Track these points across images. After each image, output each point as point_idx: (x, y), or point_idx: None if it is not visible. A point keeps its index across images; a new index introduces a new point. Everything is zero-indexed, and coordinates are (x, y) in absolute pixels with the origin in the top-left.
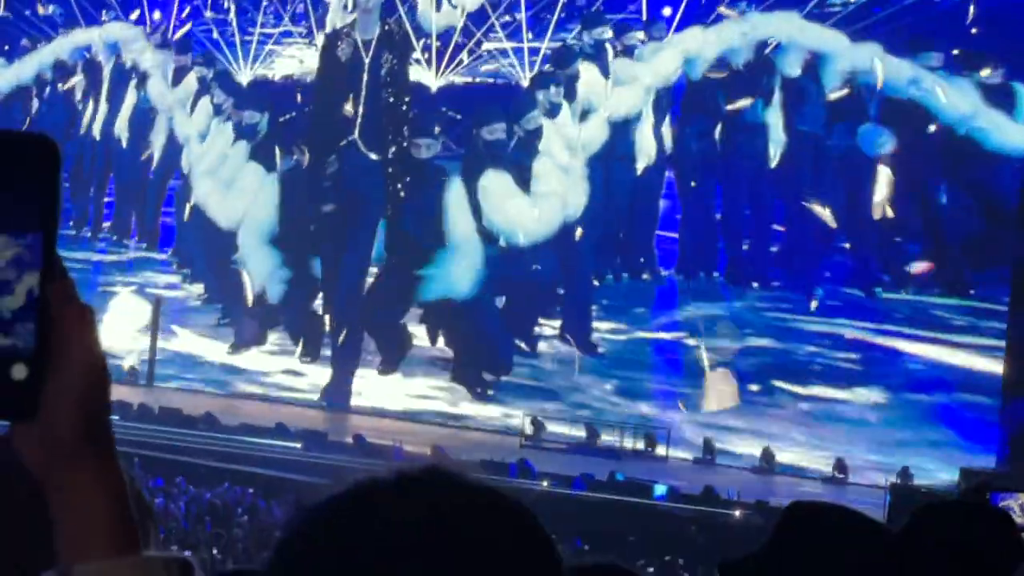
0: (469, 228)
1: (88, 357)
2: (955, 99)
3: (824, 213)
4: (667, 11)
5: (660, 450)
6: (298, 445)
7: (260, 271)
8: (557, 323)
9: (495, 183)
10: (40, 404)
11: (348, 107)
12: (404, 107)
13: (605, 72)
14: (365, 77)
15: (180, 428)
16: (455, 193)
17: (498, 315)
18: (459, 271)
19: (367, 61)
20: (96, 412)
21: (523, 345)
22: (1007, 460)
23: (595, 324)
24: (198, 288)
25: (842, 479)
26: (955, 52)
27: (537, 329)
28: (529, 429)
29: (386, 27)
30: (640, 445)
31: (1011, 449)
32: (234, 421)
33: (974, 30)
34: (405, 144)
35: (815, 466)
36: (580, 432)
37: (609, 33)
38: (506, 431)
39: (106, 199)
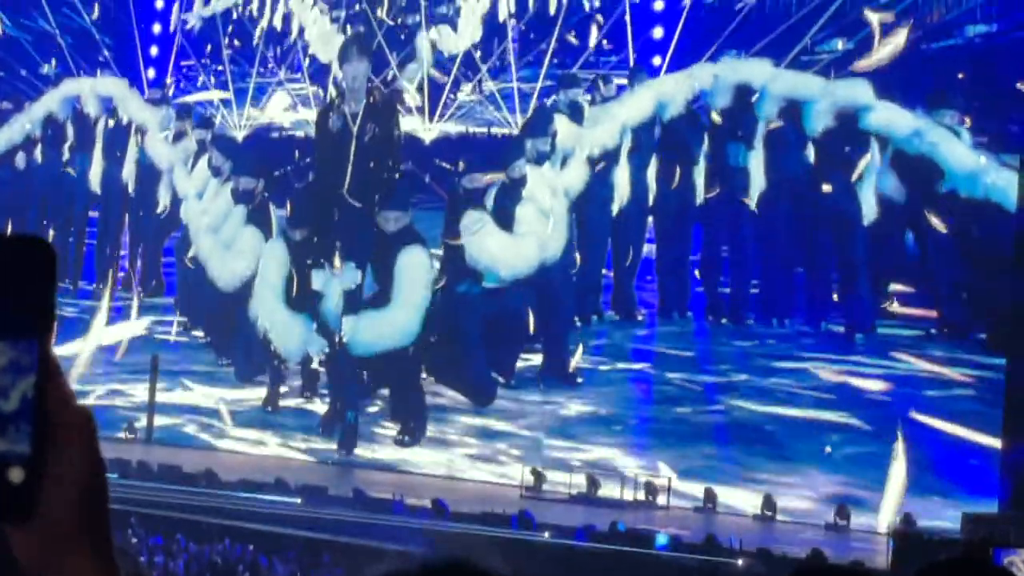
0: (419, 286)
1: (87, 460)
2: (952, 147)
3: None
4: (657, 60)
5: (661, 499)
6: (298, 500)
7: (286, 335)
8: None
9: (475, 221)
10: (37, 507)
11: (339, 173)
12: (386, 173)
13: (581, 123)
14: (352, 146)
15: (179, 485)
16: (412, 253)
17: (481, 349)
18: (395, 326)
19: (354, 131)
20: (95, 515)
21: (501, 379)
22: (1009, 506)
23: (578, 360)
24: (198, 333)
25: (844, 526)
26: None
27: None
28: (529, 480)
29: (371, 99)
30: (641, 495)
31: (1014, 497)
32: (233, 477)
33: (960, 75)
34: (378, 215)
35: (817, 512)
36: (581, 481)
37: (590, 78)
38: (506, 483)
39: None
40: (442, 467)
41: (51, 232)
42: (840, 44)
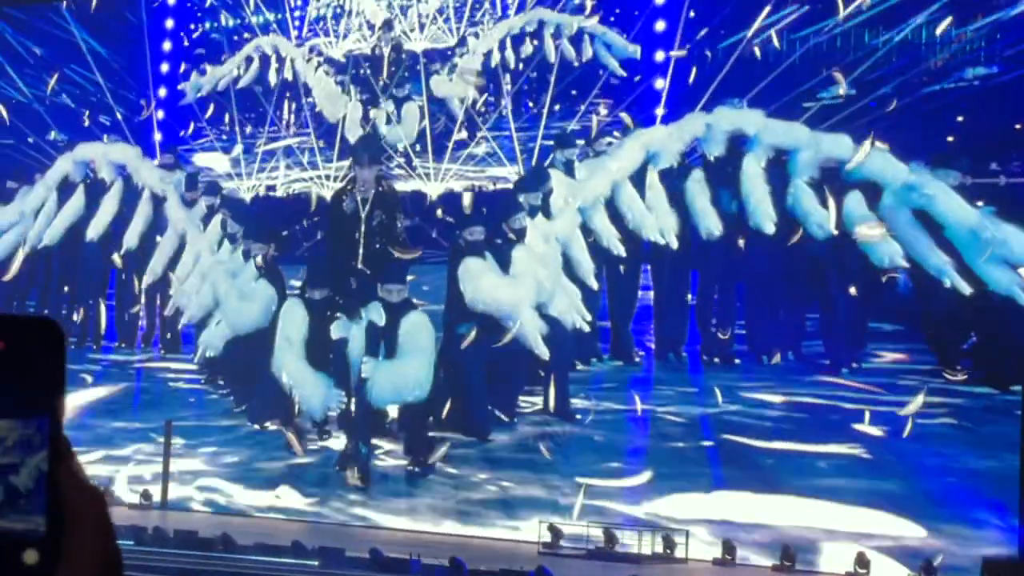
0: (427, 340)
1: (101, 541)
2: (948, 197)
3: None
4: (660, 111)
5: (679, 552)
6: (316, 563)
7: (308, 395)
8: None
9: (473, 265)
10: None
11: (352, 247)
12: (389, 253)
13: (574, 176)
14: (362, 228)
15: (196, 551)
16: (416, 316)
17: (483, 389)
18: (409, 375)
19: (363, 215)
20: None
21: (503, 416)
22: None
23: (580, 402)
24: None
25: (864, 574)
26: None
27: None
28: (547, 536)
29: (380, 188)
30: (659, 548)
31: None
32: (250, 541)
33: (960, 118)
34: (381, 288)
35: (836, 560)
36: (598, 535)
37: (590, 126)
38: (523, 539)
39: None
40: (457, 524)
41: (72, 295)
42: (841, 90)
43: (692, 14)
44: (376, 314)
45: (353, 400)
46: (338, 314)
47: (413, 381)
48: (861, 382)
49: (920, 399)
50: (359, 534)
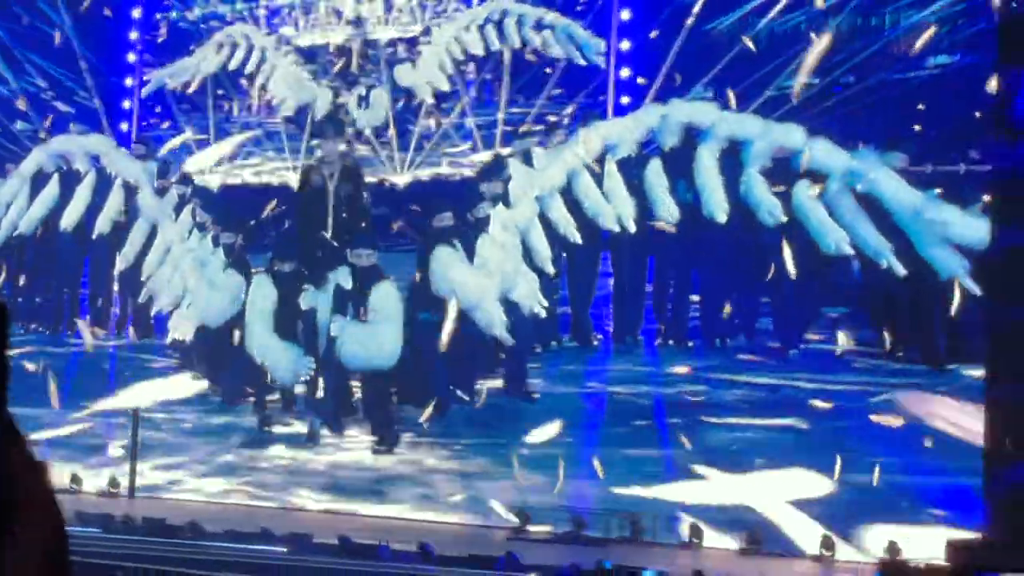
0: (396, 307)
1: (51, 522)
2: (893, 184)
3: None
4: (625, 99)
5: (647, 536)
6: (284, 549)
7: (278, 365)
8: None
9: (442, 254)
10: (3, 571)
11: (320, 220)
12: (356, 222)
13: (532, 165)
14: (331, 200)
15: (164, 538)
16: (385, 283)
17: (444, 372)
18: (379, 340)
19: (331, 189)
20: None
21: (464, 396)
22: (992, 530)
23: (538, 383)
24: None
25: (830, 556)
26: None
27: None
28: (515, 521)
29: (345, 163)
30: (626, 532)
31: (996, 520)
32: (218, 528)
33: (921, 104)
34: (350, 253)
35: (802, 544)
36: (565, 519)
37: (550, 119)
38: (491, 524)
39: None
40: (423, 505)
41: (44, 284)
42: (803, 79)
43: (655, 36)
44: (344, 277)
45: (321, 362)
46: (306, 285)
47: (383, 347)
48: (807, 364)
49: (901, 420)
50: (328, 521)
